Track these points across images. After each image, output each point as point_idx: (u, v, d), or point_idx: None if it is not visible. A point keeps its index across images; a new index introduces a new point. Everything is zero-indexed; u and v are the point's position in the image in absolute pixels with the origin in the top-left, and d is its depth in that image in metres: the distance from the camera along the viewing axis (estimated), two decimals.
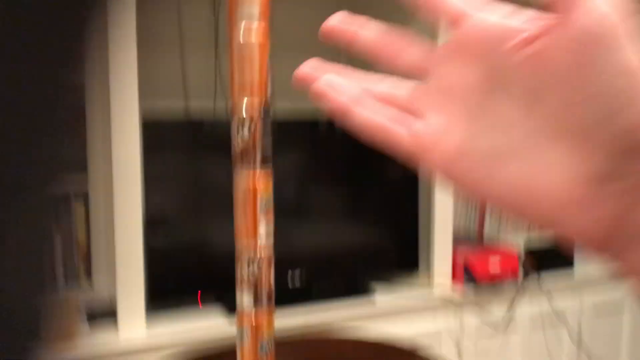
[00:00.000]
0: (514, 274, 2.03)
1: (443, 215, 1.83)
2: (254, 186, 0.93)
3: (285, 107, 1.80)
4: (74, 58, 0.26)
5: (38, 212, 0.25)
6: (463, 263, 1.93)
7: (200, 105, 1.89)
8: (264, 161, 0.93)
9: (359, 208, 1.75)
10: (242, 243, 0.95)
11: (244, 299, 0.95)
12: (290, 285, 1.66)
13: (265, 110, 0.92)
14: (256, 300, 0.95)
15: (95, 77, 1.56)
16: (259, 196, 0.93)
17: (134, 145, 1.32)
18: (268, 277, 0.96)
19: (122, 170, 1.30)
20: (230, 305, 1.54)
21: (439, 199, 1.80)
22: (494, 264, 1.98)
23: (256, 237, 0.94)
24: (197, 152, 1.50)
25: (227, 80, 1.95)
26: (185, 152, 1.49)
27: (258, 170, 0.93)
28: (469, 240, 2.14)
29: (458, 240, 2.02)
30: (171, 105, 1.84)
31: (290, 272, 1.64)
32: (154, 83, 1.85)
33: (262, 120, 0.92)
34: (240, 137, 0.91)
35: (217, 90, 1.94)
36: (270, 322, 0.97)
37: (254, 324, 0.95)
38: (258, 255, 0.95)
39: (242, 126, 0.91)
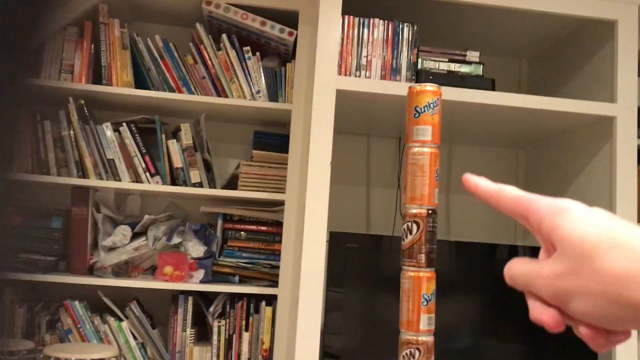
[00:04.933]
0: None
1: None
2: (419, 282, 1.04)
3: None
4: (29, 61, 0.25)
5: None
6: None
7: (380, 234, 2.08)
8: (428, 262, 1.05)
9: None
10: (404, 334, 1.04)
11: None
12: None
13: (432, 217, 1.06)
14: None
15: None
16: (422, 292, 1.04)
17: (320, 256, 1.51)
18: None
19: (307, 277, 1.49)
20: None
21: None
22: None
23: (418, 329, 1.03)
24: (377, 268, 1.64)
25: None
26: (365, 268, 1.64)
27: (423, 269, 1.04)
28: None
29: None
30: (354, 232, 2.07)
31: None
32: (341, 212, 2.10)
33: (428, 224, 1.05)
34: (408, 237, 1.05)
35: (396, 224, 2.11)
36: None
37: None
38: (419, 347, 1.03)
39: (410, 229, 1.05)
